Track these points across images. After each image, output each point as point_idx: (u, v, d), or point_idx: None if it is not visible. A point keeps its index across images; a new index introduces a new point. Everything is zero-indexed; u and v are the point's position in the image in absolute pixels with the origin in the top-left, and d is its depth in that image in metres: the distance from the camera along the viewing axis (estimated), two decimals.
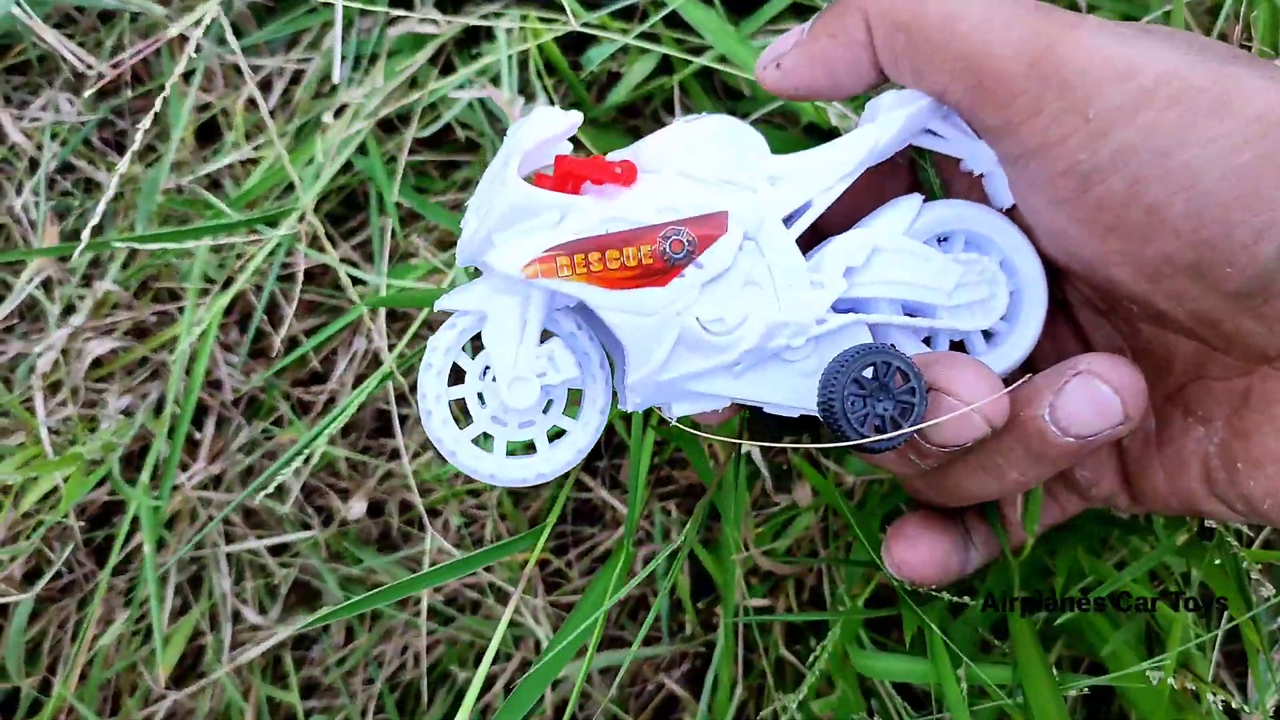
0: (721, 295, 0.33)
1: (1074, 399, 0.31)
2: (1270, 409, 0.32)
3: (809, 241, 0.35)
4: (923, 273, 0.34)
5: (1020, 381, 0.33)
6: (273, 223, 0.55)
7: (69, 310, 0.59)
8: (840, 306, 0.34)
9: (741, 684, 0.53)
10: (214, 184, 0.60)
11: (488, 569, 0.60)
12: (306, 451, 0.48)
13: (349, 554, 0.62)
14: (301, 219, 0.54)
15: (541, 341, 0.34)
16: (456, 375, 0.34)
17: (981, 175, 0.36)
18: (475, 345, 0.34)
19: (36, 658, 0.60)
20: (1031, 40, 0.30)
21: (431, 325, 0.57)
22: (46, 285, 0.58)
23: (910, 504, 0.47)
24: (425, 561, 0.56)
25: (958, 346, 0.37)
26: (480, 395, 0.34)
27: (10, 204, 0.57)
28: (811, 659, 0.47)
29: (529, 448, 0.35)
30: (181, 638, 0.60)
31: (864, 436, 0.31)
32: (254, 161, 0.60)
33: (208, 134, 0.63)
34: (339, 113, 0.58)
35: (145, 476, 0.55)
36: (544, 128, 0.32)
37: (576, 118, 0.32)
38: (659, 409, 0.35)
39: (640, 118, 0.60)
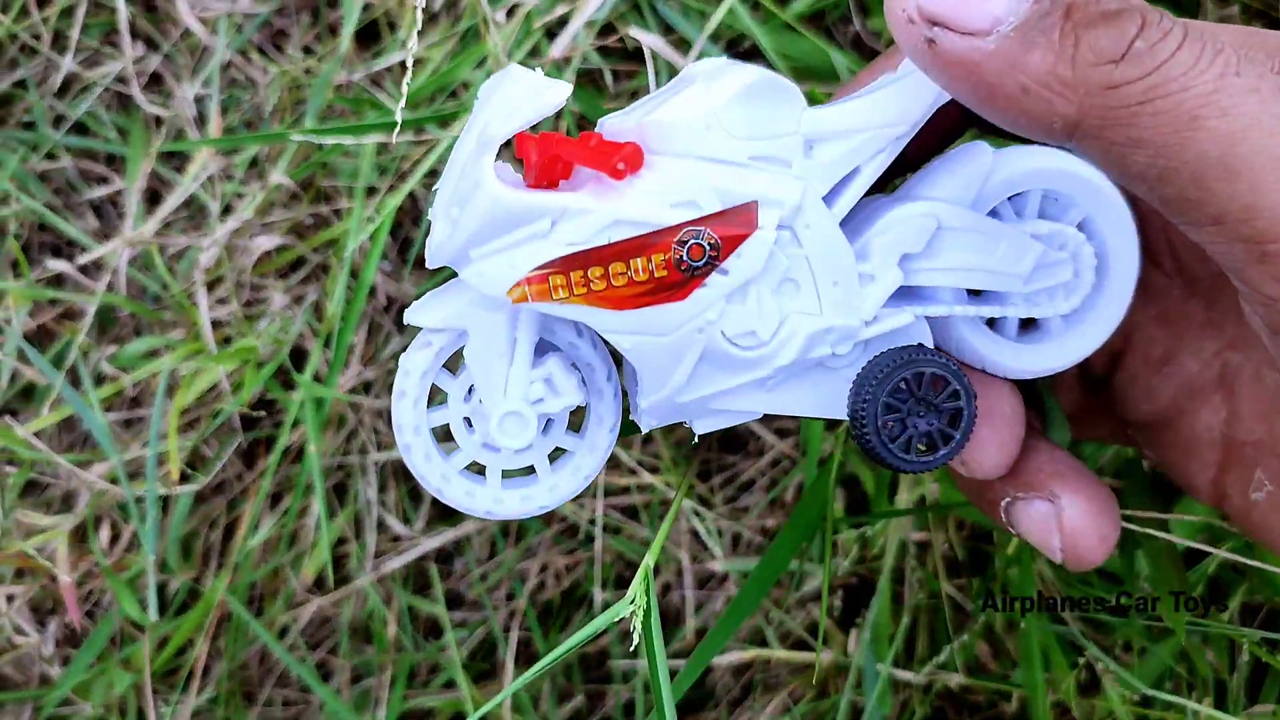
0: (752, 303, 0.28)
1: (1029, 517, 0.31)
2: None
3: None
4: (994, 256, 0.29)
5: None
6: (444, 123, 0.53)
7: (226, 210, 0.59)
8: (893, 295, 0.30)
9: (908, 604, 0.52)
10: (374, 84, 0.59)
11: (641, 490, 0.59)
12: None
13: None
14: None
15: (536, 357, 0.29)
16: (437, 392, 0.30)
17: None
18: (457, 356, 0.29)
19: (186, 556, 0.60)
20: None
21: None
22: (209, 182, 0.58)
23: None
24: None
25: (1030, 322, 0.32)
26: (467, 419, 0.29)
27: (180, 96, 0.56)
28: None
29: (529, 470, 0.30)
30: (326, 543, 0.60)
31: (911, 464, 0.28)
32: (418, 63, 0.59)
33: (364, 37, 0.62)
34: (510, 14, 0.56)
35: (308, 375, 0.54)
36: (522, 114, 0.26)
37: (559, 97, 0.27)
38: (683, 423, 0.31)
39: (818, 31, 0.58)
